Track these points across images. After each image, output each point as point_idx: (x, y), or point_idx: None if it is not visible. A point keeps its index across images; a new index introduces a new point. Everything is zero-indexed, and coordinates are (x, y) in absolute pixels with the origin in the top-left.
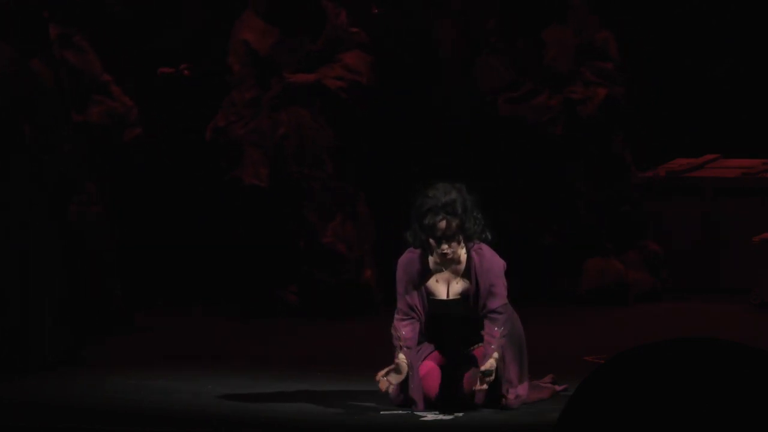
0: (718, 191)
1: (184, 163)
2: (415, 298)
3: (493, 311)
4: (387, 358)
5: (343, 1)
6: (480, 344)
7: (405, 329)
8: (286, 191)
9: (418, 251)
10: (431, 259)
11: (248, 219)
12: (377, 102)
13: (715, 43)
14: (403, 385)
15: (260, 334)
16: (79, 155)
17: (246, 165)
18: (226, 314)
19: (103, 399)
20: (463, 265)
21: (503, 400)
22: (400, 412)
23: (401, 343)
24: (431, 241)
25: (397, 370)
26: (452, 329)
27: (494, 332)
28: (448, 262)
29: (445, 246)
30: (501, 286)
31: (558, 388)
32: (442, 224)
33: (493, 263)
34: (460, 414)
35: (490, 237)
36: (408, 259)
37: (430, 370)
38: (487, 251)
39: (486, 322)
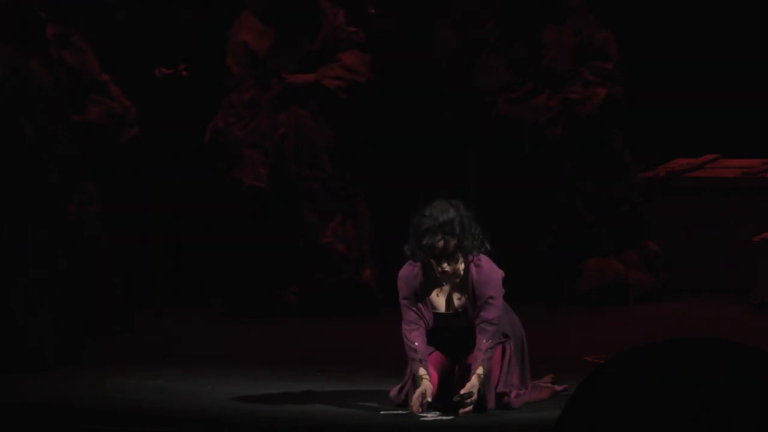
0: (718, 191)
1: (184, 164)
2: (420, 309)
3: (487, 321)
4: (387, 358)
5: (342, 0)
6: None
7: (418, 340)
8: (285, 191)
9: (418, 264)
10: (431, 274)
11: (248, 219)
12: (376, 102)
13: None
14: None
15: (260, 334)
16: (77, 155)
17: (246, 166)
18: (226, 314)
19: (103, 399)
20: (462, 279)
21: (505, 398)
22: (400, 412)
23: (419, 356)
24: (431, 260)
25: (420, 384)
26: (452, 340)
27: (482, 344)
28: (448, 278)
29: (444, 264)
30: (498, 298)
31: (558, 388)
32: (440, 244)
33: (491, 275)
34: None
35: (489, 247)
36: (409, 272)
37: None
38: (485, 263)
39: (477, 332)
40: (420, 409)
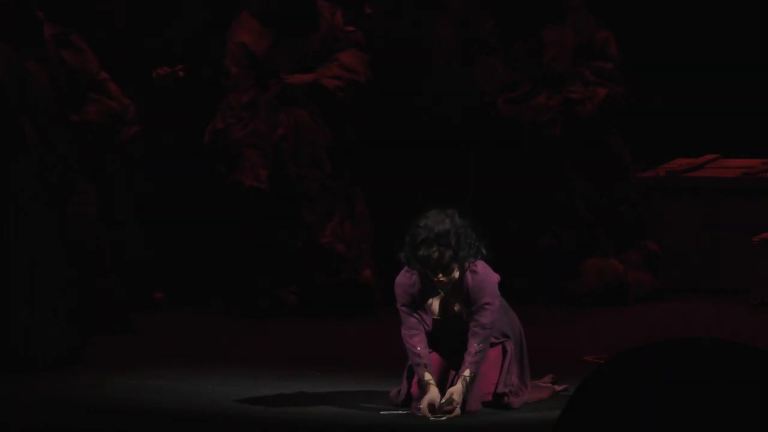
0: (718, 191)
1: (183, 164)
2: (420, 314)
3: (480, 325)
4: (387, 358)
5: (340, 0)
6: None
7: (420, 345)
8: (284, 192)
9: (414, 271)
10: (428, 281)
11: (247, 219)
12: (376, 101)
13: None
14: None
15: (260, 334)
16: (77, 155)
17: (245, 167)
18: (226, 314)
19: (103, 399)
20: (458, 285)
21: (505, 398)
22: (400, 412)
23: (423, 361)
24: (427, 271)
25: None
26: (449, 345)
27: (472, 348)
28: (444, 286)
29: (440, 274)
30: (493, 304)
31: (558, 388)
32: (436, 255)
33: (486, 282)
34: (461, 414)
35: (485, 252)
36: (406, 279)
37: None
38: (481, 269)
39: (469, 335)
40: (431, 416)
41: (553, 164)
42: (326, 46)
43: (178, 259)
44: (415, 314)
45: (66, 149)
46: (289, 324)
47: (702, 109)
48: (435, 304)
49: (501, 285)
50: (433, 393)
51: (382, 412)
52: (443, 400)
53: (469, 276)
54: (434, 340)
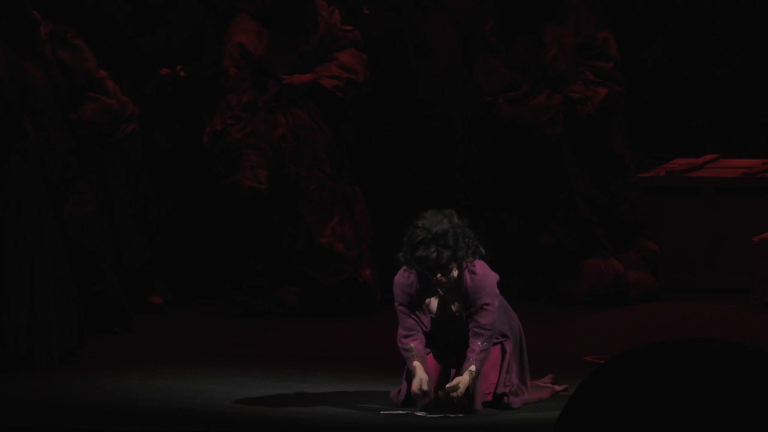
0: (718, 191)
1: (182, 164)
2: (417, 315)
3: (481, 326)
4: (387, 358)
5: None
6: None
7: (414, 343)
8: (284, 192)
9: (413, 270)
10: (426, 280)
11: (247, 220)
12: (375, 101)
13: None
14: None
15: (260, 334)
16: (76, 154)
17: (245, 169)
18: (226, 314)
19: (103, 399)
20: (457, 285)
21: (505, 398)
22: (400, 412)
23: (413, 353)
24: (425, 271)
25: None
26: (448, 345)
27: (476, 346)
28: (443, 286)
29: (438, 275)
30: (492, 305)
31: (558, 388)
32: (434, 256)
33: (485, 282)
34: (461, 414)
35: (484, 251)
36: (404, 278)
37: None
38: (480, 269)
39: (471, 336)
40: (423, 397)
41: (554, 164)
42: (324, 45)
43: (178, 259)
44: (412, 315)
45: (65, 148)
46: (289, 324)
47: (702, 109)
48: (433, 303)
49: (500, 284)
50: (421, 375)
51: (382, 412)
52: (449, 386)
53: (467, 276)
54: (433, 340)
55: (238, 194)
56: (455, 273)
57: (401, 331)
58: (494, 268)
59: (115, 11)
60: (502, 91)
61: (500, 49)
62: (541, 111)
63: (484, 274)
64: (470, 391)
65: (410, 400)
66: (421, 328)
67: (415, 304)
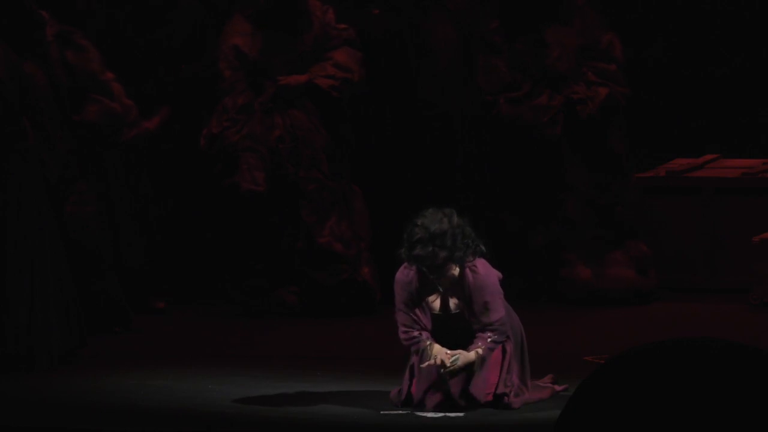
0: (718, 191)
1: (182, 164)
2: (417, 312)
3: (489, 325)
4: (387, 358)
5: None
6: None
7: (417, 332)
8: (282, 192)
9: (413, 267)
10: (427, 277)
11: (246, 221)
12: (375, 101)
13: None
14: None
15: (260, 334)
16: (77, 155)
17: (242, 171)
18: (226, 314)
19: (103, 399)
20: (458, 283)
21: (505, 398)
22: (400, 412)
23: (421, 337)
24: (423, 269)
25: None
26: (450, 342)
27: (486, 335)
28: (443, 284)
29: (435, 274)
30: (496, 302)
31: (558, 388)
32: (430, 255)
33: (487, 280)
34: (461, 414)
35: (484, 249)
36: (405, 276)
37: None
38: (481, 267)
39: (478, 333)
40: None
41: (554, 164)
42: (319, 44)
43: (178, 259)
44: (412, 314)
45: (65, 148)
46: (289, 324)
47: (702, 109)
48: (435, 299)
49: (501, 284)
50: (438, 347)
51: (382, 412)
52: (450, 352)
53: (469, 275)
54: (435, 338)
55: (237, 194)
56: (454, 272)
57: (401, 329)
58: (495, 267)
59: (115, 11)
60: (502, 91)
61: (503, 49)
62: (541, 111)
63: (486, 273)
64: (472, 372)
65: (410, 400)
66: (422, 326)
67: (416, 302)
